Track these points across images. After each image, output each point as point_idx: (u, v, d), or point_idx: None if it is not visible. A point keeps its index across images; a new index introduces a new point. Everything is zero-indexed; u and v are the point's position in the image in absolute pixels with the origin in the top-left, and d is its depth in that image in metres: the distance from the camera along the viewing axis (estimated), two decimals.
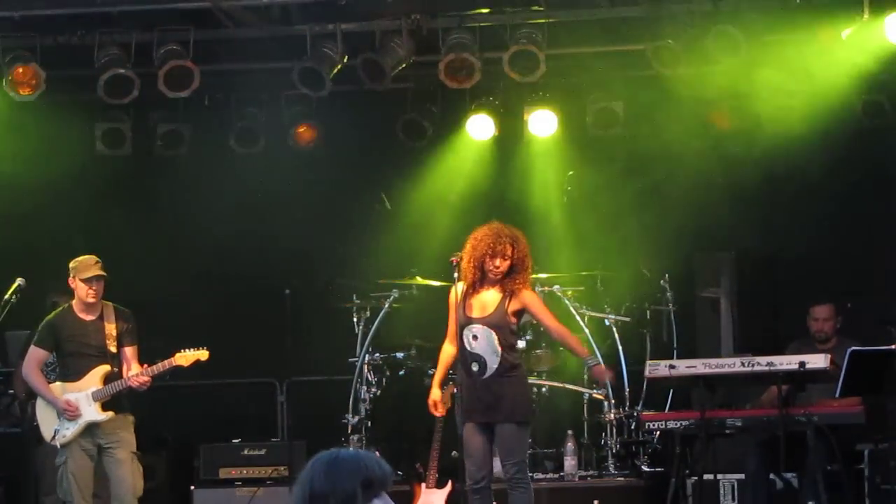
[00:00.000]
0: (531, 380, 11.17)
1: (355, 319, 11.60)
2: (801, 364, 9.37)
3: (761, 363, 9.47)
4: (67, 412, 9.48)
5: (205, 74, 11.20)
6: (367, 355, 11.33)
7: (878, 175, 12.06)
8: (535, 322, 11.36)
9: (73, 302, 9.73)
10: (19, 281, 9.70)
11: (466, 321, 9.18)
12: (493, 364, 9.12)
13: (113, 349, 9.63)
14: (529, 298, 9.25)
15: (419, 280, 11.38)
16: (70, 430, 9.51)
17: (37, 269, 10.76)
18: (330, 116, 12.39)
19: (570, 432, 11.02)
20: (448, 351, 9.40)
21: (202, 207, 12.52)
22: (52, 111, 11.74)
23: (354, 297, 11.63)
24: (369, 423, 11.27)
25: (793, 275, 12.23)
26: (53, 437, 9.58)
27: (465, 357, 9.18)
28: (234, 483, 11.26)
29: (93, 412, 9.51)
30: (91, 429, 9.54)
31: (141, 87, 11.12)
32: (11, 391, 11.31)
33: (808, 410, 9.44)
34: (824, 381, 9.60)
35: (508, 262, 9.12)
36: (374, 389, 11.34)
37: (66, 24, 11.03)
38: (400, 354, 11.41)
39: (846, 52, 10.54)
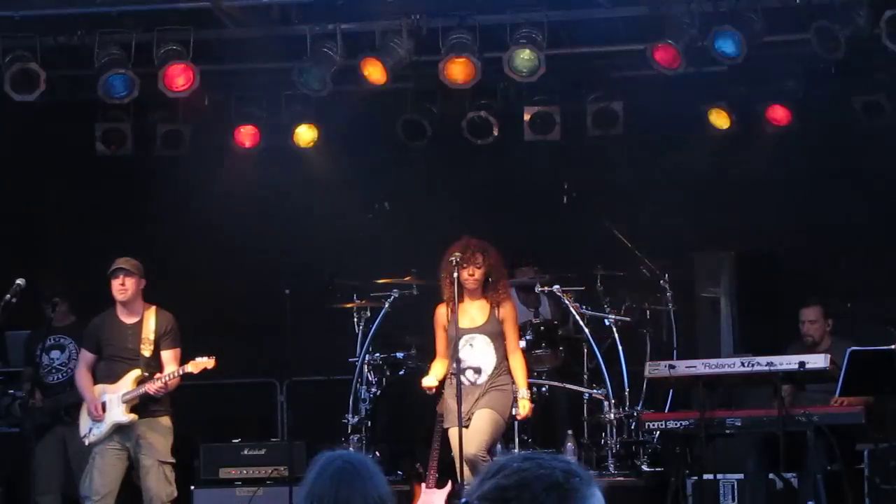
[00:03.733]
0: (531, 380, 11.19)
1: (355, 319, 11.60)
2: (801, 364, 9.38)
3: (761, 363, 9.47)
4: (92, 414, 9.75)
5: (205, 74, 11.20)
6: (367, 355, 11.33)
7: (877, 175, 12.05)
8: (535, 321, 11.40)
9: (116, 304, 9.95)
10: (19, 281, 9.70)
11: (460, 332, 9.32)
12: (487, 371, 9.35)
13: (147, 353, 9.83)
14: (507, 311, 9.50)
15: (419, 280, 11.37)
16: (100, 430, 9.76)
17: (37, 269, 10.76)
18: (330, 116, 12.38)
19: (570, 432, 11.02)
20: (441, 369, 9.59)
21: (202, 207, 12.52)
22: (53, 111, 11.74)
23: (354, 297, 11.64)
24: (369, 423, 11.26)
25: (793, 275, 12.22)
26: (86, 435, 9.83)
27: (460, 366, 9.29)
28: (234, 483, 11.26)
29: (119, 414, 9.73)
30: (120, 430, 9.77)
31: (141, 87, 11.13)
32: (11, 391, 11.32)
33: (808, 410, 9.44)
34: (824, 381, 9.61)
35: (482, 271, 9.38)
36: (374, 389, 11.34)
37: (66, 24, 11.03)
38: (400, 354, 11.40)
39: (845, 51, 10.53)
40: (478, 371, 9.29)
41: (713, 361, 9.90)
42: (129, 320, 9.90)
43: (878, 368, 9.35)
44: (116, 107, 11.84)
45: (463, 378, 9.32)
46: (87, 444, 9.84)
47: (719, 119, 12.04)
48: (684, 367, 9.76)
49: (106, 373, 9.90)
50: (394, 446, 11.40)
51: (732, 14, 10.56)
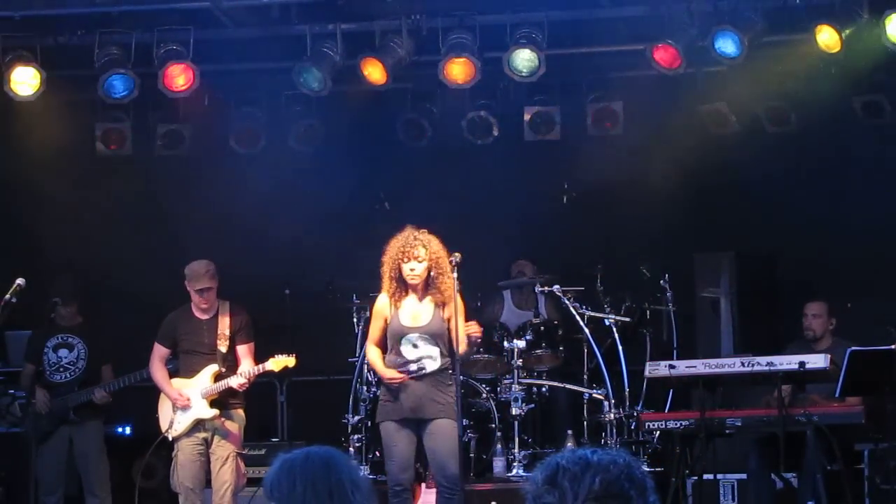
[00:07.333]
0: (531, 380, 11.20)
1: (355, 319, 11.60)
2: (801, 364, 9.38)
3: (761, 363, 9.48)
4: (179, 401, 9.95)
5: (205, 74, 11.20)
6: None
7: (877, 175, 12.05)
8: (535, 322, 11.39)
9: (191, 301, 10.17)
10: (19, 281, 9.69)
11: (403, 331, 9.11)
12: (430, 370, 9.08)
13: (223, 349, 10.07)
14: (452, 311, 9.02)
15: None
16: (181, 425, 10.01)
17: (37, 269, 10.76)
18: (330, 116, 12.38)
19: (570, 432, 11.02)
20: (377, 351, 9.31)
21: (201, 207, 12.51)
22: (52, 111, 11.73)
23: (354, 297, 11.63)
24: (369, 423, 11.25)
25: (793, 275, 12.23)
26: (168, 429, 10.03)
27: (402, 365, 9.12)
28: None
29: (200, 409, 9.99)
30: (200, 424, 10.01)
31: (141, 87, 11.13)
32: (11, 391, 11.32)
33: (808, 410, 9.44)
34: (824, 382, 9.60)
35: (424, 266, 9.04)
36: (373, 389, 11.33)
37: (66, 24, 11.04)
38: None
39: (845, 51, 10.53)
40: (421, 369, 9.06)
41: (713, 361, 9.90)
42: (205, 316, 10.14)
43: (878, 368, 9.35)
44: (116, 107, 11.85)
45: (401, 370, 9.11)
46: (169, 438, 10.06)
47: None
48: (684, 367, 9.76)
49: (182, 367, 10.16)
50: None
51: (732, 14, 10.56)
